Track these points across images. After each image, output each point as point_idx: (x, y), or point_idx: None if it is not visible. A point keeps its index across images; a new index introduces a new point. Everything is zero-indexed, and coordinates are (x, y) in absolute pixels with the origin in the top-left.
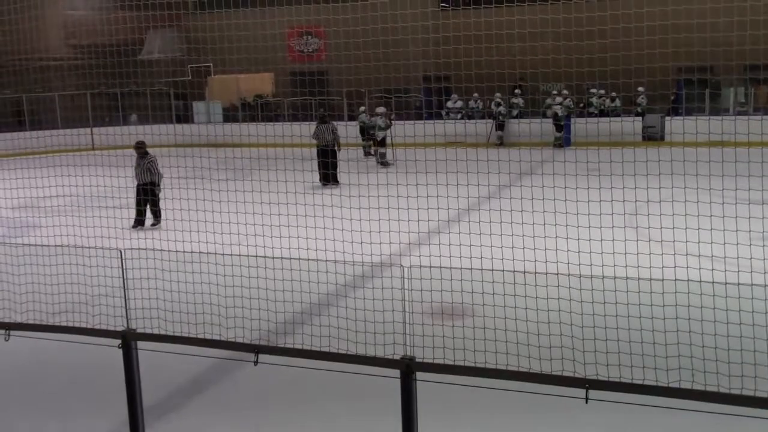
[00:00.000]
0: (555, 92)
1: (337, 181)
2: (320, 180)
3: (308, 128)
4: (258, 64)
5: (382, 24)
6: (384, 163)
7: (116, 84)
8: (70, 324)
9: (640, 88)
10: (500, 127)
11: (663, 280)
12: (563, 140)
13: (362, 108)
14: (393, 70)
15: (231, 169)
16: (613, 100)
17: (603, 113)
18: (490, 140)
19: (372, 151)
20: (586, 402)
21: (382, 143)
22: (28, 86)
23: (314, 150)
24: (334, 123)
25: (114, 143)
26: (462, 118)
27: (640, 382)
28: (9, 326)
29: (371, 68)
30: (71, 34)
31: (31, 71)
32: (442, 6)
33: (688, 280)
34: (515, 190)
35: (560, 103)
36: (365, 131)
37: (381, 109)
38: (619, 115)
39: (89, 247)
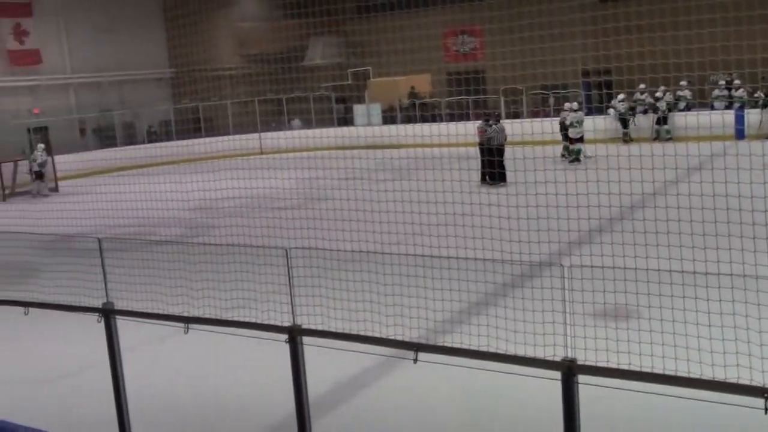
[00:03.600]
0: (722, 83)
1: (505, 180)
2: (485, 179)
3: (464, 127)
4: (415, 66)
5: (539, 19)
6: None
7: (281, 90)
8: (242, 319)
9: None
10: (658, 121)
11: None
12: (736, 132)
13: (621, 96)
14: (551, 65)
15: (390, 170)
16: None
17: None
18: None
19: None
20: (766, 413)
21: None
22: (203, 95)
23: (470, 149)
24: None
25: (279, 147)
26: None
27: None
28: (188, 320)
29: (528, 65)
30: (241, 44)
31: (205, 81)
32: None
33: None
34: (683, 187)
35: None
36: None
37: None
38: None
39: (258, 246)
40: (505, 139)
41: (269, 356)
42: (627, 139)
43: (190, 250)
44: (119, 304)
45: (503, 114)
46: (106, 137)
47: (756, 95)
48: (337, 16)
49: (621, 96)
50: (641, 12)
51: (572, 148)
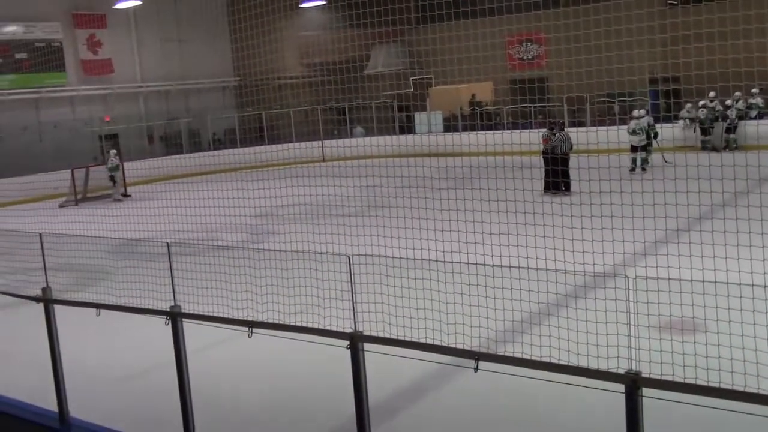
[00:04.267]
0: None
1: (569, 189)
2: (549, 188)
3: (527, 136)
4: (478, 74)
5: (605, 27)
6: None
7: (344, 99)
8: (304, 324)
9: None
10: (727, 130)
11: None
12: None
13: (701, 103)
14: (617, 73)
15: (452, 178)
16: None
17: None
18: (714, 144)
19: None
20: None
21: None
22: (267, 104)
23: (532, 158)
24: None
25: (342, 155)
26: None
27: None
28: (252, 324)
29: (593, 73)
30: (304, 53)
31: (269, 89)
32: (669, 4)
33: None
34: (753, 198)
35: None
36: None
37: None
38: None
39: (321, 253)
40: (571, 148)
41: (331, 361)
42: (708, 147)
43: (255, 256)
44: (186, 308)
45: (567, 122)
46: (172, 144)
47: None
48: (400, 27)
49: (702, 102)
50: (712, 19)
51: (633, 157)
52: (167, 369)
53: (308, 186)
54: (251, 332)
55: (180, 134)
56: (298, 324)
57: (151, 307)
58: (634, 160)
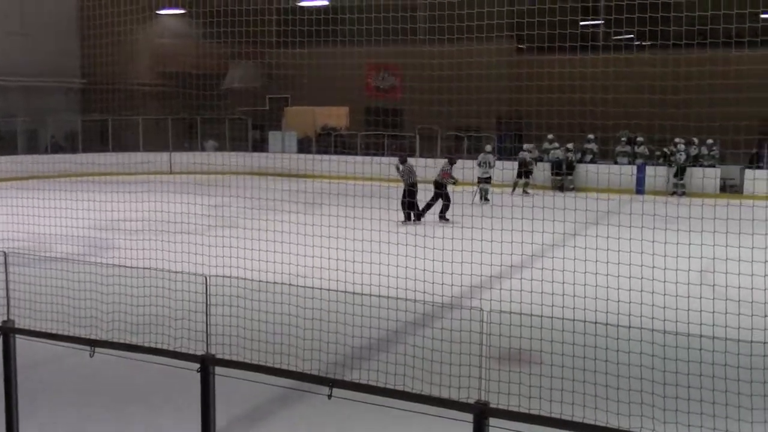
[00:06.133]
0: (624, 139)
1: (419, 219)
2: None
3: (378, 165)
4: (335, 99)
5: (457, 71)
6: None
7: (197, 111)
8: (152, 345)
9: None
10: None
11: (748, 341)
12: (637, 188)
13: (555, 144)
14: (466, 110)
15: (302, 203)
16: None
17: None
18: (564, 184)
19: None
20: None
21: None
22: (115, 110)
23: (381, 186)
24: (412, 163)
25: (191, 169)
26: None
27: None
28: (94, 343)
29: (445, 108)
30: (159, 61)
31: (119, 96)
32: (518, 48)
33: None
34: (581, 240)
35: (684, 151)
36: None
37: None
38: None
39: (174, 272)
40: (415, 179)
41: (179, 381)
42: (558, 185)
43: (97, 270)
44: (20, 323)
45: (417, 153)
46: (5, 145)
47: (657, 153)
48: (260, 49)
49: (555, 144)
50: (553, 72)
51: (478, 187)
52: None
53: (153, 201)
54: (93, 351)
55: (15, 134)
56: (147, 345)
57: None
58: (481, 190)
